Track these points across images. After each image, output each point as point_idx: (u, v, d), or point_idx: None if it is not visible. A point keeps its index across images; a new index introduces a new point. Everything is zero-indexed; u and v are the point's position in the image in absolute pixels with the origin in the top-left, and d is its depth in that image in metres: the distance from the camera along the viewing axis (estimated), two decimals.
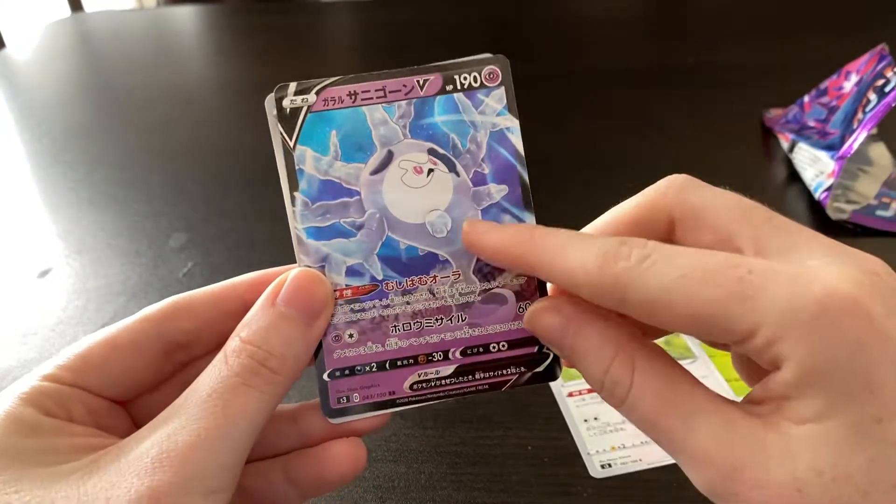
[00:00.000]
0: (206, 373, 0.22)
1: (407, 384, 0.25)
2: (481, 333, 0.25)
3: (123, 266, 0.52)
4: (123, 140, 0.72)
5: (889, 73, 0.53)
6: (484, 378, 0.25)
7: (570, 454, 0.36)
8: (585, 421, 0.38)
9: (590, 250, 0.20)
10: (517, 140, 0.25)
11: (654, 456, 0.35)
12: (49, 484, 0.21)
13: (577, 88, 0.77)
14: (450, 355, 0.25)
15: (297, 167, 0.25)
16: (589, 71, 0.82)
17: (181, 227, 0.57)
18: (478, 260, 0.25)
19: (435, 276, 0.25)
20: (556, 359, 0.25)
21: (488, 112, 0.25)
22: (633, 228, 0.23)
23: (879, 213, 0.51)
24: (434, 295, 0.25)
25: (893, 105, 0.51)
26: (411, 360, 0.25)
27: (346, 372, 0.25)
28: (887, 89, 0.52)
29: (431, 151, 0.25)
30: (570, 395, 0.39)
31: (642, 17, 1.05)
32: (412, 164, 0.25)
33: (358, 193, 0.25)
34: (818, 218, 0.53)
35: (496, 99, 0.25)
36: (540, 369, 0.25)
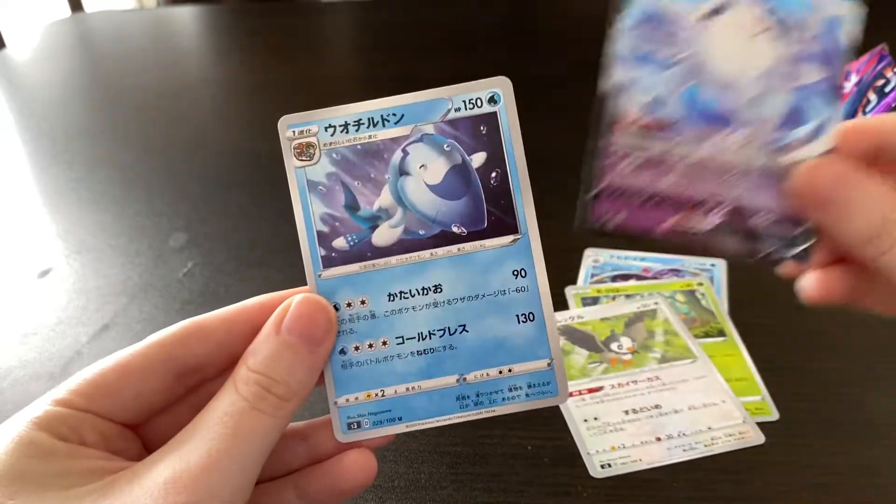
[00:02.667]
0: (216, 398, 0.23)
1: (667, 225, 0.25)
2: (751, 203, 0.24)
3: (124, 266, 0.53)
4: (124, 140, 0.72)
5: (889, 74, 0.53)
6: (738, 244, 0.25)
7: (570, 454, 0.36)
8: (585, 421, 0.38)
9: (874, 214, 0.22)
10: (850, 30, 0.25)
11: (653, 456, 0.35)
12: None
13: (578, 88, 0.77)
14: (716, 211, 0.25)
15: None
16: (588, 70, 0.82)
17: (181, 227, 0.57)
18: (772, 132, 0.24)
19: (728, 134, 0.24)
20: (808, 249, 0.25)
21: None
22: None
23: None
24: (721, 150, 0.24)
25: (893, 105, 0.51)
26: (679, 204, 0.25)
27: (617, 192, 0.25)
28: (887, 89, 0.52)
29: (771, 12, 0.24)
30: (570, 395, 0.39)
31: None
32: (746, 19, 0.24)
33: (682, 31, 0.24)
34: None
35: None
36: (796, 251, 0.25)
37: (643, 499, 0.33)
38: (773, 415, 0.37)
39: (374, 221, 0.26)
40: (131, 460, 0.23)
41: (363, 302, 0.26)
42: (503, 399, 0.26)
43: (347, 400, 0.26)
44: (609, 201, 0.24)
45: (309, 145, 0.27)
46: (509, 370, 0.26)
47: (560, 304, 0.45)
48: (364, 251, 0.26)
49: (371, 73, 0.86)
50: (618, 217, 0.24)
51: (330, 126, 0.27)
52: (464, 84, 0.26)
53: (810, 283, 0.25)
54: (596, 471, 0.35)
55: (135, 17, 1.17)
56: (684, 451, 0.35)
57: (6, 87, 0.88)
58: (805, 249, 0.25)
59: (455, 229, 0.26)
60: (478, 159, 0.26)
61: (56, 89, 0.87)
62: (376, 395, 0.26)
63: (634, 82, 0.24)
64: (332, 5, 1.17)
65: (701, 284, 0.46)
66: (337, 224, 0.26)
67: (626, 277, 0.47)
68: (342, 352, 0.26)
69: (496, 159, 0.26)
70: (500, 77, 0.26)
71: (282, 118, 0.26)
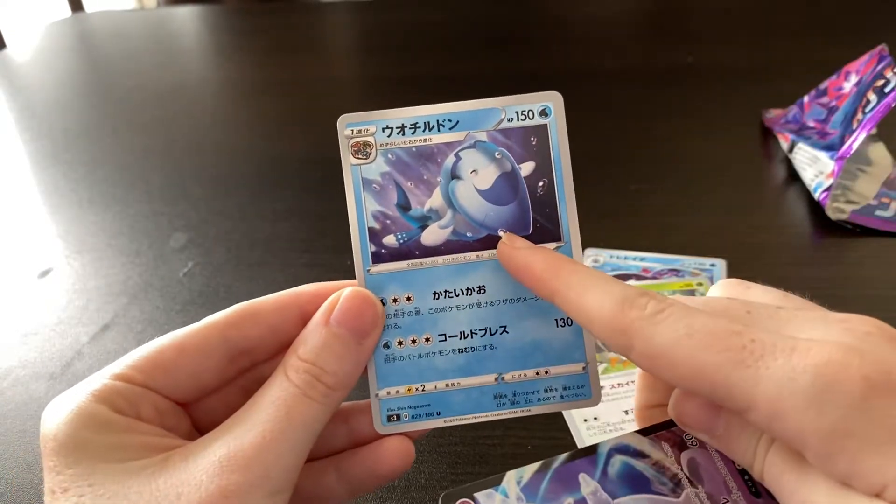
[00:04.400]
0: (269, 384, 0.24)
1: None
2: None
3: (124, 266, 0.53)
4: (124, 140, 0.72)
5: (889, 74, 0.53)
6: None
7: None
8: (585, 421, 0.38)
9: (610, 294, 0.22)
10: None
11: None
12: (121, 479, 0.21)
13: (577, 88, 0.77)
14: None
15: None
16: (588, 71, 0.82)
17: (181, 227, 0.57)
18: None
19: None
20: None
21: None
22: None
23: (879, 213, 0.52)
24: None
25: (893, 105, 0.51)
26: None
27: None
28: (887, 90, 0.52)
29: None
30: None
31: (642, 17, 1.05)
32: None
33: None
34: (817, 218, 0.53)
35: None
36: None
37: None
38: None
39: (423, 221, 0.27)
40: (182, 438, 0.24)
41: (409, 298, 0.27)
42: (539, 399, 0.27)
43: (388, 392, 0.27)
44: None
45: (366, 144, 0.28)
46: (546, 371, 0.27)
47: None
48: (412, 249, 0.27)
49: (371, 74, 0.86)
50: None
51: (387, 127, 0.28)
52: (517, 96, 0.27)
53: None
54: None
55: (135, 17, 1.17)
56: None
57: (7, 88, 0.88)
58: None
59: (501, 233, 0.27)
60: (526, 168, 0.27)
61: (56, 89, 0.87)
62: (417, 389, 0.27)
63: None
64: (331, 5, 1.17)
65: (700, 284, 0.46)
66: (388, 222, 0.27)
67: (625, 277, 0.47)
68: (386, 346, 0.27)
69: (544, 169, 0.27)
70: (552, 91, 0.27)
71: (341, 117, 0.27)
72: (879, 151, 0.57)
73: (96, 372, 0.24)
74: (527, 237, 0.27)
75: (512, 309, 0.27)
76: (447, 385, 0.27)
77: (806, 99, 0.63)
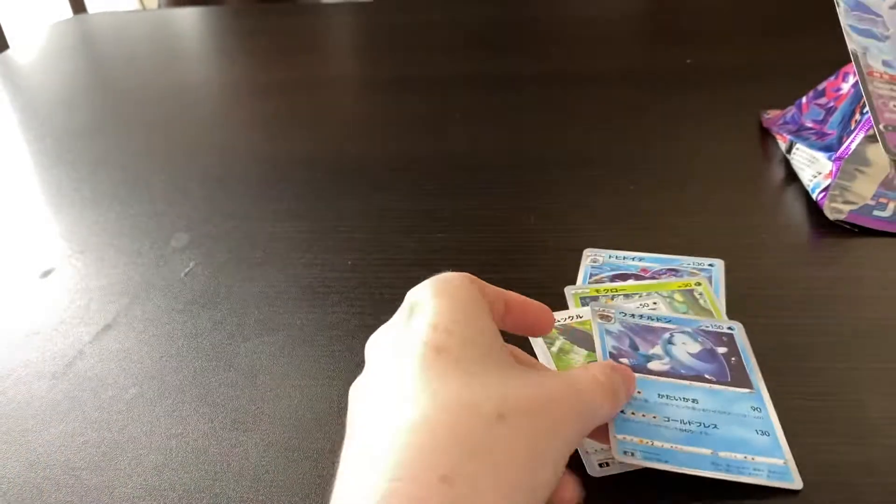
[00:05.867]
0: (582, 370, 0.31)
1: None
2: None
3: (126, 266, 0.53)
4: (126, 140, 0.72)
5: None
6: None
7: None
8: None
9: None
10: None
11: None
12: (506, 371, 0.28)
13: (576, 89, 0.78)
14: None
15: None
16: (587, 71, 0.82)
17: (183, 227, 0.57)
18: None
19: None
20: None
21: None
22: None
23: (877, 213, 0.52)
24: None
25: None
26: None
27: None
28: None
29: None
30: None
31: (641, 18, 1.05)
32: None
33: (881, 16, 0.32)
34: (816, 218, 0.53)
35: None
36: None
37: (641, 498, 0.34)
38: None
39: (649, 359, 0.38)
40: None
41: (639, 392, 0.36)
42: (748, 472, 0.33)
43: (625, 438, 0.34)
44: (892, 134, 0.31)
45: (608, 316, 0.41)
46: (752, 458, 0.34)
47: (560, 304, 0.45)
48: (641, 370, 0.37)
49: (372, 74, 0.87)
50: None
51: (622, 312, 0.41)
52: (712, 320, 0.41)
53: None
54: (594, 469, 0.35)
55: (137, 18, 1.17)
56: None
57: (9, 88, 0.89)
58: None
59: (707, 376, 0.37)
60: (720, 350, 0.39)
61: (59, 90, 0.88)
62: (648, 442, 0.34)
63: (867, 48, 0.32)
64: (332, 7, 1.18)
65: (699, 284, 0.46)
66: (622, 351, 0.39)
67: (624, 277, 0.47)
68: (622, 412, 0.35)
69: (733, 353, 0.39)
70: (735, 322, 0.41)
71: (592, 303, 0.42)
72: (877, 152, 0.57)
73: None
74: (726, 382, 0.37)
75: (720, 416, 0.35)
76: (672, 447, 0.34)
77: (804, 100, 0.64)
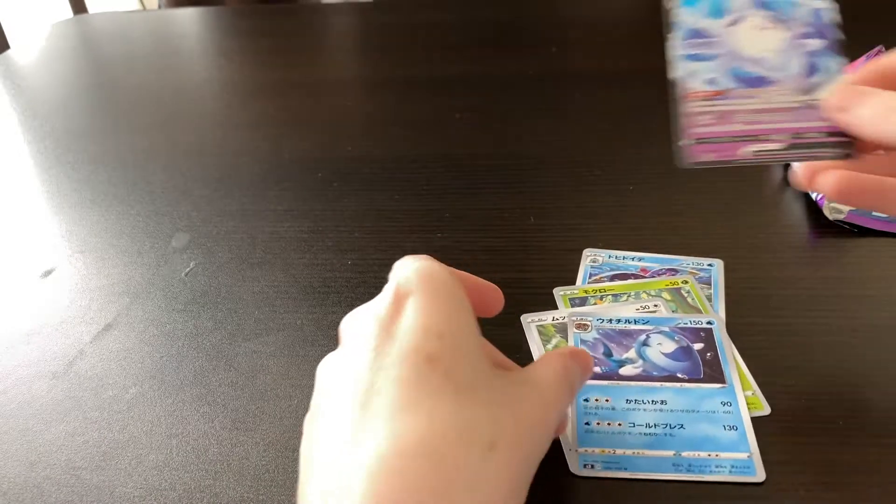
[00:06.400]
0: (550, 357, 0.32)
1: (749, 151, 0.33)
2: (801, 126, 0.33)
3: (126, 266, 0.53)
4: (126, 141, 0.72)
5: None
6: (805, 153, 0.33)
7: (554, 451, 0.36)
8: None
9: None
10: (831, 14, 0.34)
11: None
12: (491, 384, 0.28)
13: (576, 89, 0.78)
14: (777, 137, 0.33)
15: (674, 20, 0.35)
16: (587, 71, 0.82)
17: (183, 227, 0.57)
18: (803, 78, 0.34)
19: (768, 89, 0.34)
20: (849, 148, 0.33)
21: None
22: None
23: (876, 213, 0.52)
24: (769, 100, 0.34)
25: None
26: (752, 137, 0.33)
27: (701, 140, 0.33)
28: None
29: (772, 16, 0.35)
30: None
31: (641, 18, 1.05)
32: (756, 23, 0.35)
33: (716, 37, 0.34)
34: (815, 218, 0.53)
35: None
36: (848, 150, 0.33)
37: (629, 498, 0.34)
38: (765, 409, 0.37)
39: (621, 364, 0.40)
40: None
41: (607, 400, 0.38)
42: (710, 471, 0.34)
43: (586, 451, 0.35)
44: (699, 146, 0.33)
45: (585, 325, 0.42)
46: (716, 455, 0.35)
47: (549, 304, 0.45)
48: (612, 376, 0.39)
49: (372, 74, 0.87)
50: (704, 156, 0.33)
51: (601, 319, 0.43)
52: (690, 315, 0.43)
53: (831, 177, 0.33)
54: (577, 469, 0.35)
55: (137, 19, 1.17)
56: None
57: (10, 88, 0.89)
58: (847, 149, 0.33)
59: (679, 375, 0.39)
60: (697, 346, 0.41)
61: (59, 90, 0.88)
62: (610, 451, 0.35)
63: (693, 72, 0.34)
64: (333, 7, 1.18)
65: (686, 282, 0.46)
66: (596, 360, 0.40)
67: (624, 277, 0.47)
68: (587, 423, 0.36)
69: (710, 348, 0.40)
70: (715, 313, 0.42)
71: (570, 314, 0.43)
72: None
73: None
74: (699, 379, 0.38)
75: (687, 416, 0.36)
76: (634, 453, 0.35)
77: None
